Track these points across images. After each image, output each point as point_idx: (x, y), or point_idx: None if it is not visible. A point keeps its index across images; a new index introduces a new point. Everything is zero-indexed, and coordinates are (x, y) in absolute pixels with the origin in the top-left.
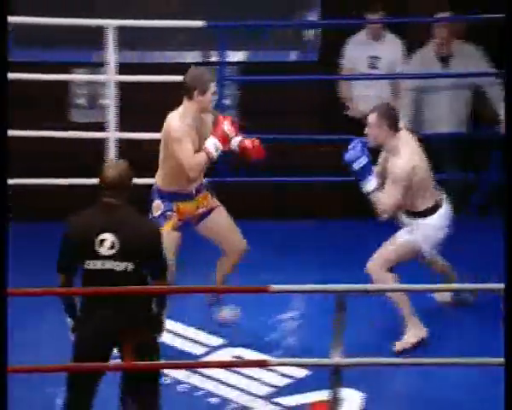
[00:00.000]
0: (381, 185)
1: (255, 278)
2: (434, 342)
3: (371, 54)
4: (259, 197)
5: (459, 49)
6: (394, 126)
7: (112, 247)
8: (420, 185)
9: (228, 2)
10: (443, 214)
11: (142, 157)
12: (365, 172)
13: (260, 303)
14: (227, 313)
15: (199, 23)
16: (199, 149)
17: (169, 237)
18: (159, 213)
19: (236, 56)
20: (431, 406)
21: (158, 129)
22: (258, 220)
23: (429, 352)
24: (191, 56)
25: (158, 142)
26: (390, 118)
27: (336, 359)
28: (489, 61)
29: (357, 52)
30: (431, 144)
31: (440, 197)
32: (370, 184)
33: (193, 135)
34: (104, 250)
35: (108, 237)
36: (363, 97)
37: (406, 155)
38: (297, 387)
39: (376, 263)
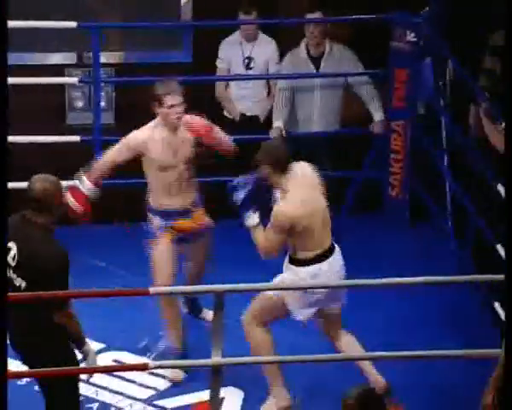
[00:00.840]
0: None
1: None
2: None
3: (246, 54)
4: None
5: (329, 50)
6: (280, 166)
7: (13, 258)
8: (302, 234)
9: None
10: (320, 272)
11: (13, 161)
12: (243, 206)
13: (137, 305)
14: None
15: (72, 24)
16: (167, 163)
17: (163, 249)
18: (155, 229)
19: (112, 58)
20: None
21: (28, 132)
22: None
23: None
24: (65, 57)
25: (29, 145)
26: (272, 158)
27: (215, 359)
28: (359, 61)
29: (231, 53)
30: (304, 144)
31: (324, 251)
32: (250, 219)
33: (153, 145)
34: (10, 259)
35: (13, 248)
36: (239, 98)
37: (290, 204)
38: (178, 389)
39: (248, 315)
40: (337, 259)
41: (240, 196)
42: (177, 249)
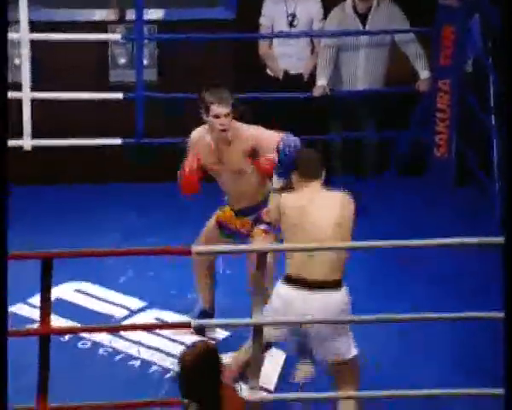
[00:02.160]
0: None
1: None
2: None
3: (289, 11)
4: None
5: (377, 6)
6: (302, 173)
7: None
8: (291, 236)
9: None
10: (291, 301)
11: (56, 117)
12: (280, 168)
13: (179, 265)
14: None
15: None
16: (210, 168)
17: (210, 226)
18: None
19: (154, 14)
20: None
21: (71, 89)
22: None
23: None
24: (105, 14)
25: (72, 102)
26: (301, 163)
27: (257, 318)
28: (406, 18)
29: (275, 9)
30: (348, 103)
31: (313, 281)
32: (276, 183)
33: (200, 146)
34: None
35: None
36: (282, 56)
37: (291, 194)
38: (220, 348)
39: None
40: (327, 302)
41: (282, 156)
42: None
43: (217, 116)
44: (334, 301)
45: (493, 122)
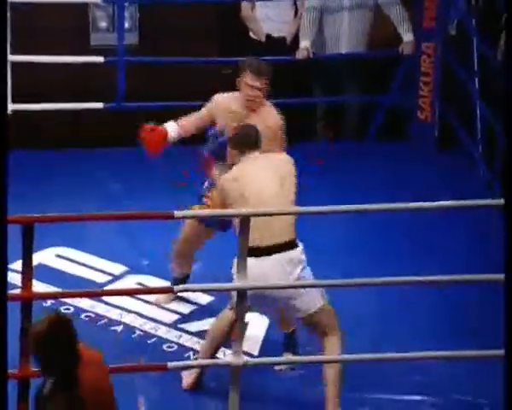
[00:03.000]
0: None
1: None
2: None
3: None
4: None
5: None
6: (240, 147)
7: None
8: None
9: None
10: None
11: (36, 81)
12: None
13: (164, 229)
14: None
15: None
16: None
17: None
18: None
19: None
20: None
21: (51, 52)
22: None
23: None
24: None
25: (52, 66)
26: (239, 140)
27: (240, 283)
28: None
29: None
30: (331, 66)
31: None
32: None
33: (221, 112)
34: None
35: None
36: (265, 18)
37: (228, 175)
38: (202, 313)
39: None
40: (282, 261)
41: (210, 147)
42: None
43: (248, 85)
44: (289, 260)
45: (476, 85)
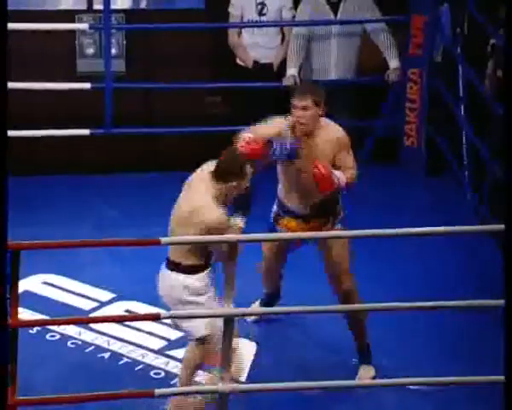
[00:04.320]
0: None
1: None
2: None
3: (258, 0)
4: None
5: None
6: None
7: None
8: None
9: None
10: None
11: (24, 107)
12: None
13: (151, 256)
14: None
15: None
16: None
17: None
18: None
19: (122, 3)
20: (323, 350)
21: (38, 78)
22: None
23: None
24: (75, 3)
25: (40, 92)
26: None
27: (228, 309)
28: (376, 8)
29: None
30: None
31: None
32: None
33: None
34: None
35: None
36: (252, 45)
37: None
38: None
39: None
40: (166, 282)
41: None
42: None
43: (294, 106)
44: (169, 282)
45: (462, 111)
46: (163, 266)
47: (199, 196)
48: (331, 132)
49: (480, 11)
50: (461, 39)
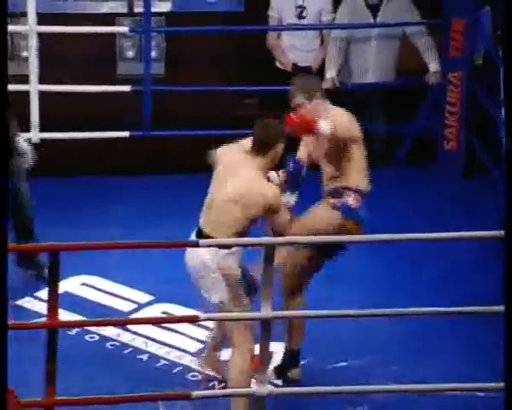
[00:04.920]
0: None
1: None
2: None
3: (298, 3)
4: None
5: None
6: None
7: None
8: None
9: None
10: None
11: (64, 110)
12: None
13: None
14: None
15: None
16: None
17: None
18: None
19: (162, 7)
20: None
21: (78, 81)
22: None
23: None
24: (116, 6)
25: (80, 95)
26: None
27: (265, 312)
28: (416, 11)
29: (283, 2)
30: (358, 94)
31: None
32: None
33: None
34: None
35: None
36: (291, 48)
37: None
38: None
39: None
40: (196, 255)
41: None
42: None
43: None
44: (201, 255)
45: (503, 115)
46: (193, 235)
47: (249, 176)
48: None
49: None
50: (502, 42)
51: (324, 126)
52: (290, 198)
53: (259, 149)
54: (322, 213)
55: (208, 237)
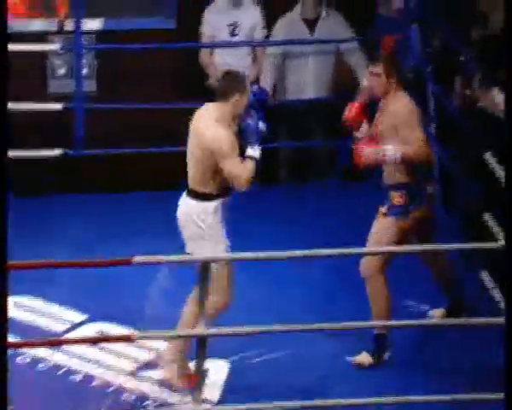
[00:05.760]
0: None
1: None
2: None
3: (230, 21)
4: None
5: (326, 15)
6: None
7: None
8: None
9: None
10: None
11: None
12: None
13: (124, 276)
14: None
15: None
16: None
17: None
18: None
19: (93, 24)
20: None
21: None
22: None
23: None
24: (47, 25)
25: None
26: None
27: (200, 329)
28: (350, 28)
29: (216, 19)
30: (295, 111)
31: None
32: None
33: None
34: None
35: None
36: (224, 65)
37: None
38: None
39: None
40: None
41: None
42: None
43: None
44: (184, 205)
45: (433, 130)
46: (184, 193)
47: (203, 122)
48: (397, 104)
49: (450, 31)
50: (430, 58)
51: None
52: (254, 152)
53: (219, 95)
54: (378, 228)
55: (191, 190)
